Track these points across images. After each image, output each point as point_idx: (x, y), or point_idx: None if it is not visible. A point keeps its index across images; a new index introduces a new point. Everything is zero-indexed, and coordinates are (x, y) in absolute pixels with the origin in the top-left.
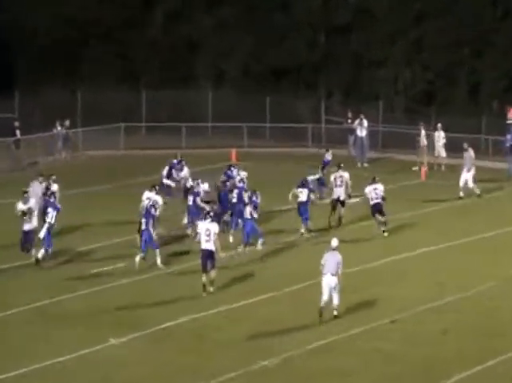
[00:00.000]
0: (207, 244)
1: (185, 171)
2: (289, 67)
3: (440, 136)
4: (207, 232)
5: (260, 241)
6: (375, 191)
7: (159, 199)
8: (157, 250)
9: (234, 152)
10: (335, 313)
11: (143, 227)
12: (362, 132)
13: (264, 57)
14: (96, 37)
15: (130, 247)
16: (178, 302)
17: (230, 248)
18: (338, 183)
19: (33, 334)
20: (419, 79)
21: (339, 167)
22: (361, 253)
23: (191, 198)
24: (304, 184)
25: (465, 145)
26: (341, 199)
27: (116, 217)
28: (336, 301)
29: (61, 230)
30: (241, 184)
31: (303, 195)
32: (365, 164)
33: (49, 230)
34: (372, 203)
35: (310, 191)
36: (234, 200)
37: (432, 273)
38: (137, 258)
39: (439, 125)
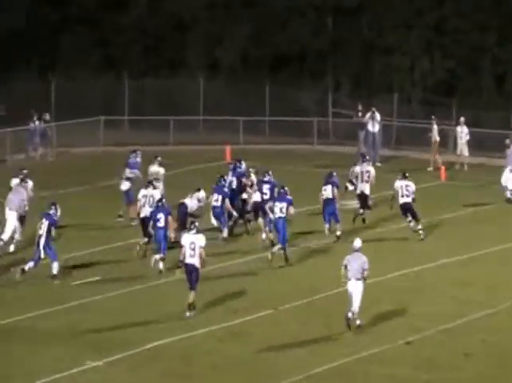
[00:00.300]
0: (192, 259)
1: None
2: (291, 54)
3: (463, 132)
4: (192, 245)
5: (279, 245)
6: (406, 188)
7: (157, 194)
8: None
9: (228, 149)
10: (357, 322)
11: (161, 224)
12: (374, 127)
13: (264, 43)
14: (72, 19)
15: (114, 256)
16: (166, 319)
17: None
18: (365, 178)
19: (0, 355)
20: (438, 68)
21: (363, 161)
22: (374, 263)
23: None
24: (328, 180)
25: (507, 141)
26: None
27: (95, 221)
28: (355, 307)
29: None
30: (267, 178)
31: (327, 191)
32: (378, 163)
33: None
34: (402, 201)
35: (334, 186)
36: (266, 197)
37: (454, 287)
38: (155, 261)
39: (462, 119)
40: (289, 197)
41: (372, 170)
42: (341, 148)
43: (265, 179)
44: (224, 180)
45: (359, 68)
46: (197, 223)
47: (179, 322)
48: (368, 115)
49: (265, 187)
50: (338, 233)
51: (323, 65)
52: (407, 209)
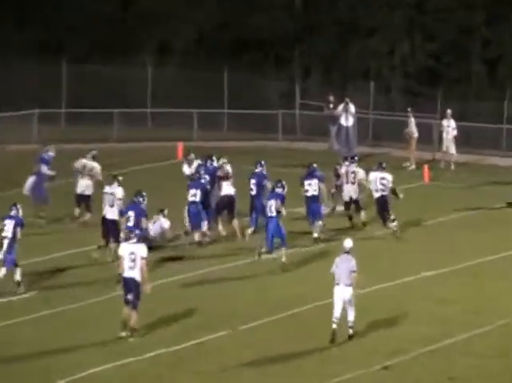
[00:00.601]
0: (131, 272)
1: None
2: (254, 37)
3: (450, 126)
4: (132, 256)
5: (283, 249)
6: (381, 181)
7: (120, 192)
8: None
9: (180, 146)
10: (350, 332)
11: (132, 223)
12: (348, 121)
13: (223, 24)
14: None
15: (56, 265)
16: (106, 341)
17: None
18: (351, 179)
19: None
20: (421, 52)
21: (350, 161)
22: None
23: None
24: (312, 173)
25: None
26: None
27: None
28: (351, 316)
29: None
30: (258, 169)
31: (312, 187)
32: None
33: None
34: (376, 195)
35: (320, 180)
36: (253, 193)
37: (438, 304)
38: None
39: (449, 112)
40: (281, 193)
41: (361, 171)
42: (310, 145)
43: (257, 170)
44: (200, 173)
45: (331, 52)
46: (137, 231)
47: (123, 343)
48: (341, 107)
49: (252, 182)
50: (315, 235)
51: (290, 50)
52: (382, 204)
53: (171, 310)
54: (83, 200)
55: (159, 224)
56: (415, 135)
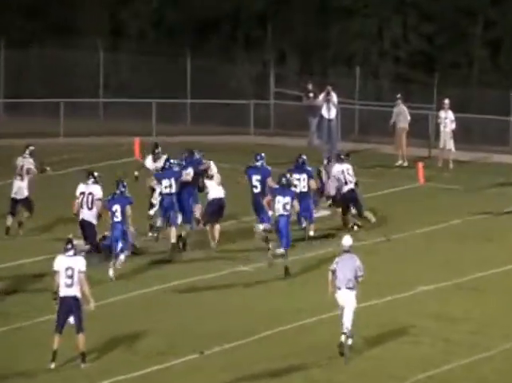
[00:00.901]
0: (69, 289)
1: None
2: (221, 17)
3: (448, 118)
4: (69, 272)
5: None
6: (348, 172)
7: (98, 191)
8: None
9: (137, 141)
10: (349, 342)
11: (117, 219)
12: (330, 113)
13: (184, 4)
14: None
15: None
16: (54, 370)
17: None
18: (349, 178)
19: None
20: (414, 33)
21: (343, 159)
22: None
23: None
24: (301, 167)
25: None
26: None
27: None
28: (347, 322)
29: None
30: (259, 163)
31: (301, 183)
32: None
33: None
34: (346, 189)
35: (309, 176)
36: (257, 190)
37: (437, 323)
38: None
39: (447, 102)
40: (293, 189)
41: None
42: (287, 140)
43: (257, 163)
44: (169, 161)
45: (310, 34)
46: (75, 242)
47: (71, 372)
48: (322, 96)
49: (255, 178)
50: (311, 233)
51: (262, 31)
52: (352, 199)
53: (131, 329)
54: (20, 204)
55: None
56: (405, 126)
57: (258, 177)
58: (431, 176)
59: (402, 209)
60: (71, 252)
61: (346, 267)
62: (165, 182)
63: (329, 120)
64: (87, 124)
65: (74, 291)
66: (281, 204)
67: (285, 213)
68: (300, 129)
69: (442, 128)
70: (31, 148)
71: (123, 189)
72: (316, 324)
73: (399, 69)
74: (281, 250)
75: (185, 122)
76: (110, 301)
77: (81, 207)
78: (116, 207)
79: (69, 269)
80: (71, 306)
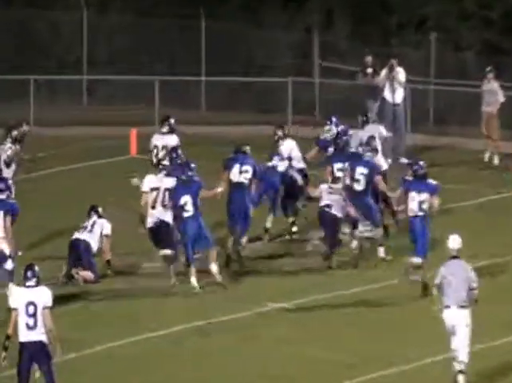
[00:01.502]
0: (32, 333)
1: None
2: None
3: None
4: (31, 309)
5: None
6: (328, 190)
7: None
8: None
9: (133, 133)
10: (460, 378)
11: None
12: (395, 95)
13: None
14: None
15: None
16: None
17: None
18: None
19: None
20: None
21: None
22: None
23: None
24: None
25: None
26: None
27: None
28: (463, 354)
29: None
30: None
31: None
32: (403, 159)
33: None
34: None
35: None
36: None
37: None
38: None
39: None
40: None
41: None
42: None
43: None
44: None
45: None
46: (37, 268)
47: None
48: (384, 72)
49: (359, 171)
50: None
51: None
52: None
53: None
54: None
55: (98, 230)
56: (494, 110)
57: (364, 171)
58: None
59: (490, 225)
60: (32, 281)
61: (456, 277)
62: (184, 199)
63: (394, 105)
64: (65, 109)
65: (39, 335)
66: (417, 202)
67: (421, 213)
68: (353, 117)
69: None
70: None
71: (190, 173)
72: None
73: (489, 35)
74: (417, 260)
75: (198, 106)
76: None
77: None
78: (186, 199)
79: (31, 304)
80: (37, 354)
